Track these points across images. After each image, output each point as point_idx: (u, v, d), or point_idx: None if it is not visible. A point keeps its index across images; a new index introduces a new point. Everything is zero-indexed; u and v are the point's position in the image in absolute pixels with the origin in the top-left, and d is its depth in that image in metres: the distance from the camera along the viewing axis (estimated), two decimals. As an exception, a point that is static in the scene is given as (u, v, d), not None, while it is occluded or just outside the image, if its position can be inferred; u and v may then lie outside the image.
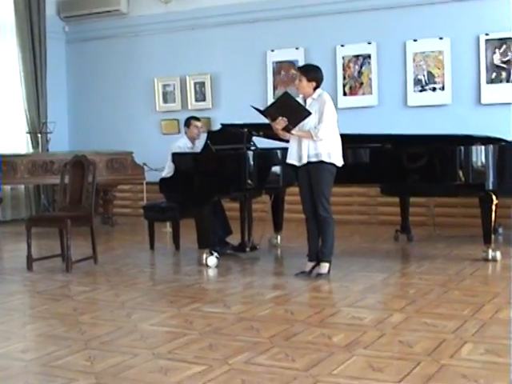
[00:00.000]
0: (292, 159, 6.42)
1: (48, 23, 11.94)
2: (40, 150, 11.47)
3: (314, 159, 6.27)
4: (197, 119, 8.36)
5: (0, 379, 3.80)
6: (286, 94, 6.54)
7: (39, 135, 11.51)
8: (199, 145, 8.20)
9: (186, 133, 8.30)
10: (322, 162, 6.26)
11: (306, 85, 6.34)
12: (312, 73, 6.38)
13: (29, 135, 11.69)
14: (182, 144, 8.09)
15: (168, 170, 7.85)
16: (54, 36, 12.30)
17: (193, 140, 8.23)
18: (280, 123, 6.30)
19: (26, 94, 11.62)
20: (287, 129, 6.31)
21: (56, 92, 12.38)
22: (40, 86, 11.76)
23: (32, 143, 11.69)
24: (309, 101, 6.37)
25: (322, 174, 6.29)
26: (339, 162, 6.36)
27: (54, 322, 5.04)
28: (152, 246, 8.33)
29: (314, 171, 6.30)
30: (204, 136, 7.77)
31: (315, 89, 6.37)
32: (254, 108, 6.48)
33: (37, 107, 11.72)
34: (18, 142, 11.77)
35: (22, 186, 11.66)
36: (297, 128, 6.29)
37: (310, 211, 6.44)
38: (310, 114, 6.22)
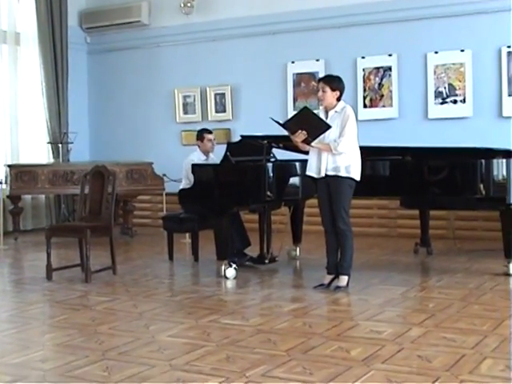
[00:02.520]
0: (311, 171, 6.41)
1: (70, 34, 12.05)
2: (61, 160, 11.53)
3: (332, 173, 6.26)
4: (209, 132, 8.34)
5: (18, 389, 3.83)
6: (305, 108, 6.52)
7: (60, 145, 11.58)
8: (213, 157, 8.20)
9: (198, 146, 8.27)
10: (341, 176, 6.24)
11: (330, 95, 6.33)
12: (335, 82, 6.38)
13: (50, 145, 11.76)
14: (196, 158, 8.06)
15: (185, 182, 7.88)
16: (75, 47, 12.39)
17: (206, 153, 8.21)
18: (299, 136, 6.29)
19: (48, 105, 11.70)
20: (307, 141, 6.30)
21: (77, 102, 12.46)
22: (61, 97, 11.85)
23: (53, 153, 11.75)
24: (331, 113, 6.36)
25: (341, 188, 6.28)
26: (357, 177, 6.34)
27: (73, 331, 5.05)
28: (171, 257, 8.33)
29: (333, 185, 6.29)
30: (219, 148, 7.77)
31: (338, 99, 6.36)
32: (274, 120, 6.48)
33: (58, 117, 11.80)
34: (39, 152, 11.85)
35: (43, 196, 11.74)
36: (317, 140, 6.28)
37: (329, 224, 6.42)
38: (329, 127, 6.21)
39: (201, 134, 8.28)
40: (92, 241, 7.09)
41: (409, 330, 4.89)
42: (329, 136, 6.25)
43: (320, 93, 6.43)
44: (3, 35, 11.37)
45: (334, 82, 6.38)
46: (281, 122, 6.49)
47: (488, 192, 6.82)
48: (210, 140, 8.23)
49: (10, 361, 4.34)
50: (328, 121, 6.30)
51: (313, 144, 6.30)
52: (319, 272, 6.76)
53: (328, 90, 6.33)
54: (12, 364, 4.27)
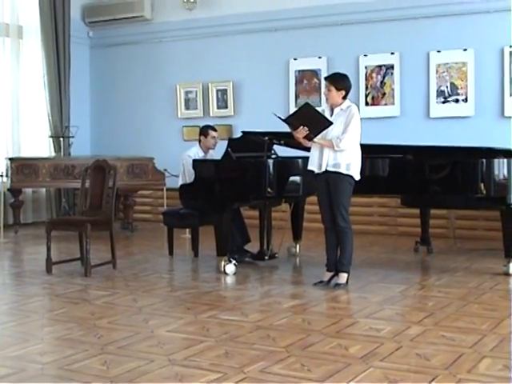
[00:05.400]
0: (312, 166, 6.40)
1: (72, 28, 12.04)
2: (62, 153, 11.53)
3: (332, 169, 6.26)
4: (214, 129, 8.22)
5: (16, 381, 3.83)
6: (306, 104, 6.50)
7: (61, 139, 11.58)
8: (212, 154, 8.14)
9: (200, 141, 8.20)
10: (341, 173, 6.25)
11: (335, 94, 6.33)
12: (341, 82, 6.36)
13: (51, 139, 11.76)
14: (193, 154, 7.98)
15: (183, 178, 7.85)
16: (78, 41, 12.39)
17: (207, 150, 8.15)
18: (301, 132, 6.29)
19: (50, 98, 11.69)
20: (308, 137, 6.30)
21: (79, 97, 12.46)
22: (63, 91, 11.84)
23: (54, 147, 11.75)
24: (336, 110, 6.36)
25: (340, 185, 6.27)
26: (357, 176, 6.33)
27: (72, 325, 5.06)
28: (171, 252, 8.33)
29: (332, 181, 6.29)
30: (220, 144, 7.77)
31: (344, 97, 6.36)
32: (276, 115, 6.47)
33: (60, 111, 11.79)
34: (40, 146, 11.85)
35: (44, 190, 11.74)
36: (319, 136, 6.27)
37: (329, 221, 6.42)
38: (331, 123, 6.21)
39: (205, 130, 8.18)
40: (92, 235, 7.09)
41: (408, 328, 4.90)
42: (332, 133, 6.25)
43: (325, 91, 6.43)
44: (6, 28, 11.34)
45: (339, 81, 6.37)
46: (282, 117, 6.48)
47: (489, 191, 6.81)
48: (213, 137, 8.13)
49: (9, 353, 4.34)
50: (332, 118, 6.30)
51: (315, 140, 6.29)
52: (319, 269, 6.77)
53: (333, 89, 6.33)
54: (11, 357, 4.27)
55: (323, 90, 6.46)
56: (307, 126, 6.24)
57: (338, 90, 6.32)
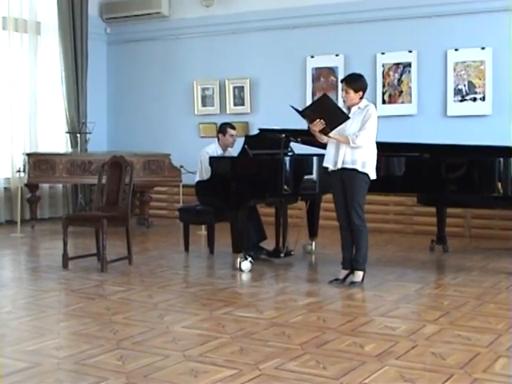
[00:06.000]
0: (328, 163, 6.38)
1: (90, 24, 12.10)
2: (79, 149, 11.57)
3: (348, 166, 6.23)
4: (233, 127, 8.26)
5: (32, 375, 3.85)
6: (324, 96, 6.47)
7: (78, 135, 11.62)
8: (231, 151, 8.15)
9: (218, 139, 8.23)
10: (356, 170, 6.23)
11: (353, 96, 6.30)
12: (358, 83, 6.34)
13: (68, 135, 11.81)
14: (211, 151, 8.01)
15: (200, 175, 7.87)
16: (95, 37, 12.44)
17: (225, 147, 8.18)
18: (317, 125, 6.25)
19: (67, 94, 11.75)
20: (324, 131, 6.27)
21: (96, 93, 12.51)
22: (80, 87, 11.89)
23: (71, 143, 11.81)
24: (354, 109, 6.33)
25: (356, 183, 6.26)
26: (372, 174, 6.31)
27: (88, 320, 5.08)
28: (186, 249, 8.35)
29: (347, 179, 6.27)
30: (238, 142, 7.77)
31: (361, 97, 6.34)
32: (293, 108, 6.43)
33: (77, 107, 11.84)
34: (57, 142, 11.91)
35: (60, 185, 11.79)
36: (335, 131, 6.24)
37: (344, 219, 6.40)
38: (348, 118, 6.19)
39: (224, 128, 8.21)
40: (108, 231, 7.12)
41: (423, 327, 4.89)
42: (349, 130, 6.23)
43: (343, 93, 6.39)
44: (24, 24, 11.39)
45: (356, 83, 6.34)
46: (299, 109, 6.43)
47: (506, 191, 6.79)
48: (232, 135, 8.16)
49: (26, 348, 4.37)
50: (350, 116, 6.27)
51: (330, 135, 6.26)
52: (334, 267, 6.76)
53: (351, 91, 6.29)
54: (27, 351, 4.30)
55: (340, 92, 6.40)
56: (324, 118, 6.19)
57: (356, 91, 6.30)
